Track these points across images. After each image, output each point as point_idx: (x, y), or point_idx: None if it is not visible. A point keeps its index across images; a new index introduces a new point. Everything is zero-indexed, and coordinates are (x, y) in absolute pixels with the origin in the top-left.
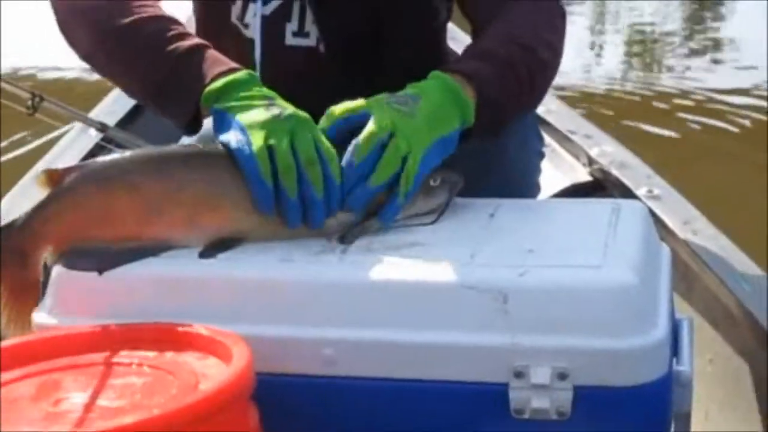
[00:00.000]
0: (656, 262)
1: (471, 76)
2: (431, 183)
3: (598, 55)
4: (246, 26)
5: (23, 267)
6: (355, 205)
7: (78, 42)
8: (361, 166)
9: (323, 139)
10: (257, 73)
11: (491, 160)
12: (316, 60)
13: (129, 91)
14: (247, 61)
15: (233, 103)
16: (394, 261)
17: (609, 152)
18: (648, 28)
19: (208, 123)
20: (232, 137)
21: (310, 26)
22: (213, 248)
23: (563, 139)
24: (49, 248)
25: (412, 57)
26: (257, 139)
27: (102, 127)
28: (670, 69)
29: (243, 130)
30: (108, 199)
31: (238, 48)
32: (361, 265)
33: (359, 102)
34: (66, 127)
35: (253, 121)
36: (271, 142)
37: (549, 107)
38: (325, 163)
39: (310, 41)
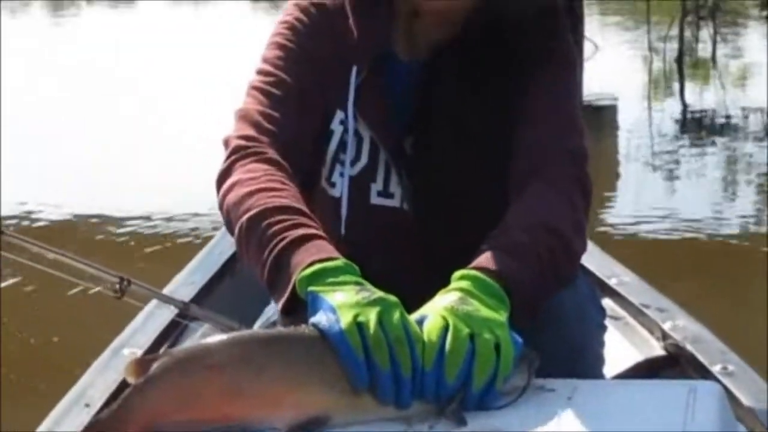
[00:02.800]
0: None
1: (500, 273)
2: None
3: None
4: (333, 185)
5: None
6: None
7: (231, 232)
8: (461, 374)
9: (411, 320)
10: (343, 232)
11: (547, 335)
12: (400, 219)
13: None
14: (333, 220)
15: (324, 287)
16: None
17: (683, 326)
18: None
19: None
20: (322, 317)
21: (395, 187)
22: (296, 430)
23: (637, 312)
24: None
25: (494, 214)
26: (346, 317)
27: (181, 305)
28: None
29: (332, 309)
30: (191, 383)
31: (325, 208)
32: None
33: (425, 312)
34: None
35: (342, 302)
36: (361, 319)
37: (622, 279)
38: (413, 343)
39: (395, 201)
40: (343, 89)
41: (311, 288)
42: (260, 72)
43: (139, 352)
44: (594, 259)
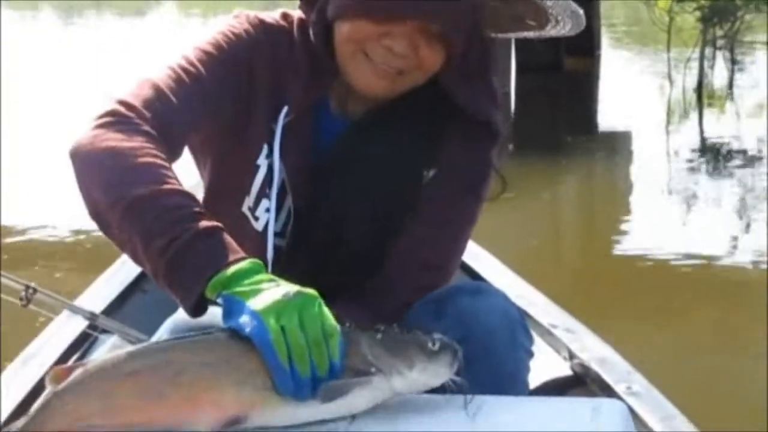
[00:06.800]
0: None
1: None
2: (430, 346)
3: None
4: (256, 219)
5: None
6: None
7: (89, 197)
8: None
9: (327, 314)
10: (269, 270)
11: (479, 362)
12: (286, 262)
13: (135, 259)
14: (252, 252)
15: (241, 289)
16: None
17: (589, 347)
18: None
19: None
20: (246, 322)
21: (288, 231)
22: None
23: (545, 332)
24: None
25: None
26: (271, 323)
27: (90, 316)
28: None
29: (255, 314)
30: (110, 388)
31: (243, 235)
32: None
33: None
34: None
35: (264, 306)
36: (283, 323)
37: (531, 300)
38: (328, 341)
39: (283, 243)
40: (270, 123)
41: (228, 291)
42: (184, 57)
43: (49, 362)
44: (505, 280)
